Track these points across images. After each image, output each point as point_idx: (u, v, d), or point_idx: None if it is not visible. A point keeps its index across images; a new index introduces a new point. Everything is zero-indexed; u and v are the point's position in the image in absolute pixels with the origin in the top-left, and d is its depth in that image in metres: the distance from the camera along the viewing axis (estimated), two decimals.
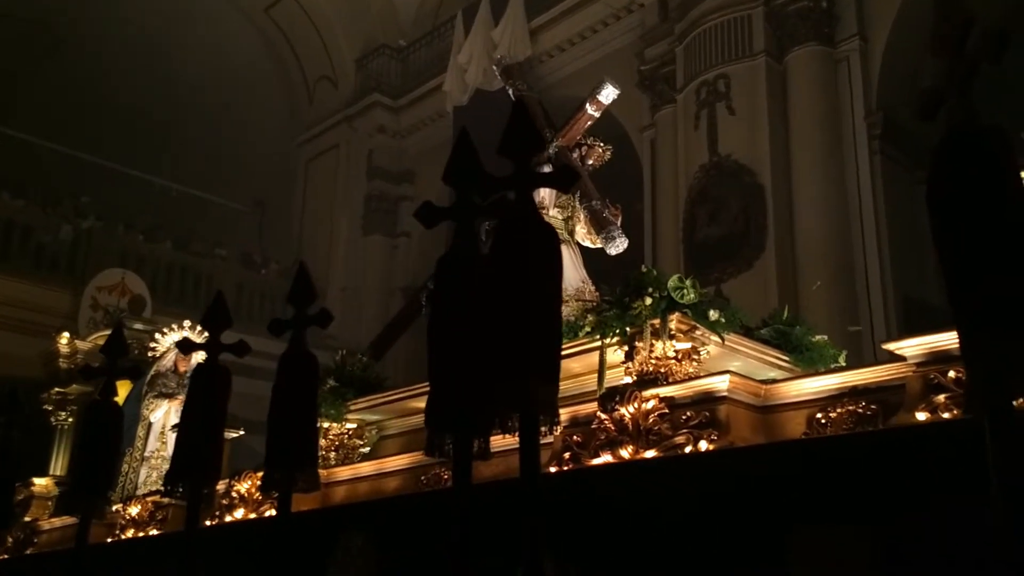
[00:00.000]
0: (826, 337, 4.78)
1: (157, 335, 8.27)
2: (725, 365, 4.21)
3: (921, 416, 2.96)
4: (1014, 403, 1.43)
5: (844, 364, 4.62)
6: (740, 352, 4.31)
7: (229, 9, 17.89)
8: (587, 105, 6.02)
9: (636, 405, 3.60)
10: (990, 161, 1.54)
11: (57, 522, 6.99)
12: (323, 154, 17.85)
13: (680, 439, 3.47)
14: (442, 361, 2.18)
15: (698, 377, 3.75)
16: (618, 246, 5.73)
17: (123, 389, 9.08)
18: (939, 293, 10.31)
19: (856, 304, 9.61)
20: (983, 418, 1.42)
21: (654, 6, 12.50)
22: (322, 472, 5.10)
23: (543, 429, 4.12)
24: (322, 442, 5.47)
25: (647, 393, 3.62)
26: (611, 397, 3.69)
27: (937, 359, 3.03)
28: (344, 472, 5.13)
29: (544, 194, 5.73)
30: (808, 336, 4.59)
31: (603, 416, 3.67)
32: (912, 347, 3.11)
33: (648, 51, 12.27)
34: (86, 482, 3.34)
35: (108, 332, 11.50)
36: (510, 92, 6.42)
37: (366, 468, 5.02)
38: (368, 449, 5.63)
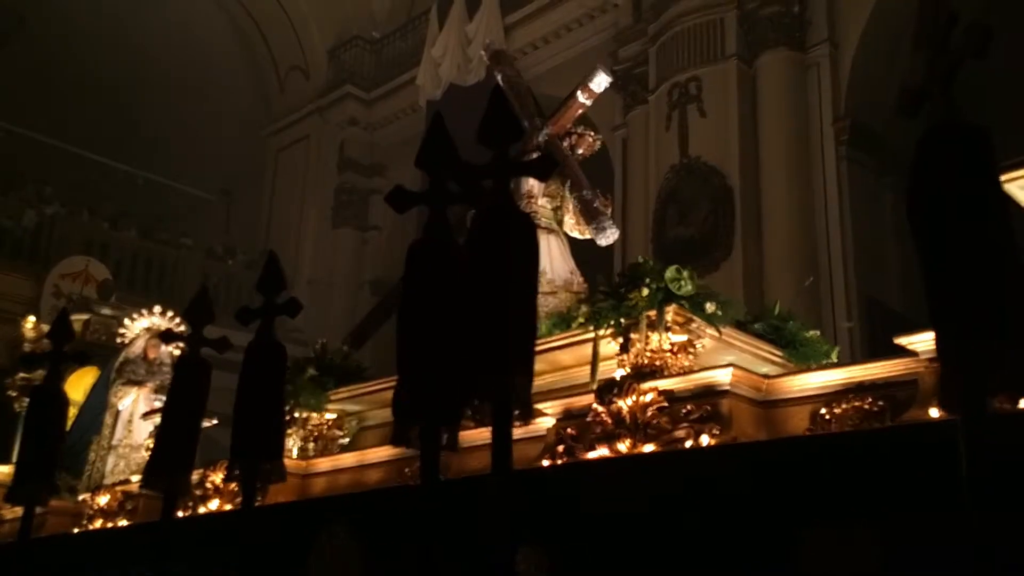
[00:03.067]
0: (819, 332, 4.70)
1: (127, 320, 8.11)
2: (719, 359, 4.08)
3: (935, 412, 2.86)
4: (988, 402, 1.45)
5: (836, 360, 4.52)
6: (735, 346, 4.20)
7: None
8: (578, 93, 5.86)
9: (634, 398, 3.49)
10: (971, 158, 1.55)
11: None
12: (293, 145, 17.69)
13: (680, 433, 3.36)
14: (411, 350, 2.15)
15: (699, 370, 3.64)
16: (608, 237, 5.57)
17: (90, 376, 8.94)
18: (901, 296, 10.45)
19: (820, 306, 9.71)
20: (957, 415, 1.44)
21: (628, 7, 12.53)
22: (301, 463, 5.03)
23: (536, 422, 4.01)
24: (301, 432, 5.35)
25: (645, 386, 3.51)
26: (608, 389, 3.59)
27: None
28: (324, 463, 4.98)
29: (532, 183, 5.62)
30: (802, 331, 4.50)
31: (600, 408, 3.57)
32: (925, 342, 2.98)
33: (621, 51, 12.31)
34: (29, 471, 3.28)
35: (77, 317, 11.17)
36: (499, 78, 6.18)
37: (347, 459, 4.88)
38: (348, 440, 5.50)
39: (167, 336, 3.48)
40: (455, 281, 2.01)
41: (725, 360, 4.07)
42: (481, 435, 4.12)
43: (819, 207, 10.26)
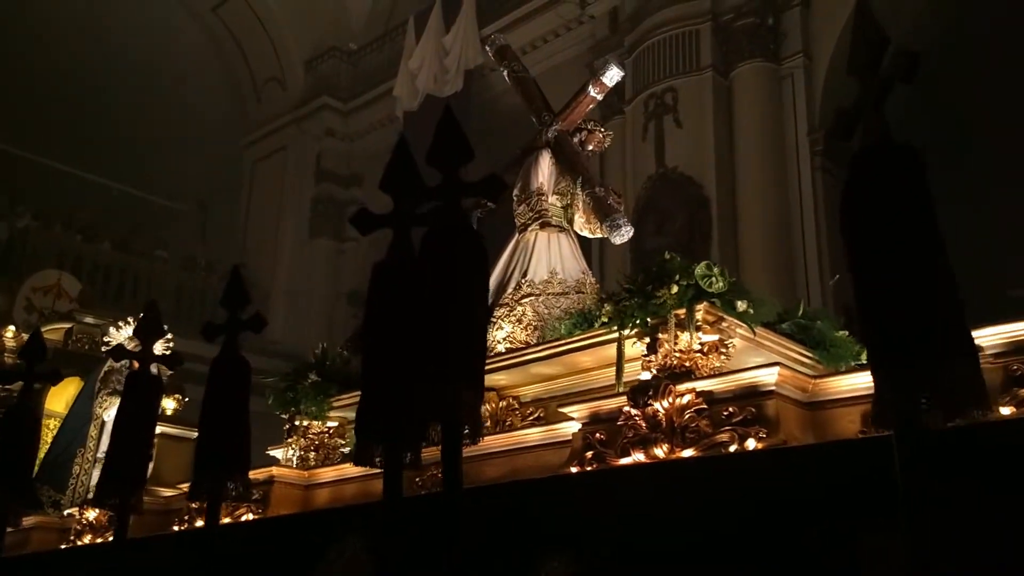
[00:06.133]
0: (847, 332, 4.42)
1: (112, 329, 7.97)
2: (747, 359, 3.88)
3: (1005, 411, 2.70)
4: (919, 419, 1.47)
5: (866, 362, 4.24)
6: (765, 347, 3.95)
7: (175, 7, 17.61)
8: (590, 87, 5.67)
9: (670, 400, 3.30)
10: (902, 179, 1.58)
11: None
12: (270, 156, 17.64)
13: (723, 437, 3.15)
14: (373, 369, 2.17)
15: (740, 370, 3.42)
16: (623, 235, 5.32)
17: (72, 387, 8.80)
18: None
19: None
20: (890, 431, 1.46)
21: (604, 18, 12.62)
22: (303, 473, 4.82)
23: (557, 427, 3.72)
24: (301, 442, 5.16)
25: (682, 387, 3.32)
26: (643, 391, 3.37)
27: (1020, 349, 2.80)
28: (328, 473, 4.75)
29: (543, 180, 5.47)
30: (831, 331, 4.24)
31: (634, 412, 3.36)
32: (989, 337, 2.80)
33: (598, 63, 12.35)
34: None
35: (60, 326, 10.92)
36: (505, 74, 6.06)
37: (353, 469, 4.57)
38: (349, 449, 5.20)
39: (117, 352, 3.46)
40: (416, 302, 2.02)
41: (753, 361, 3.87)
42: (497, 442, 4.02)
43: (795, 217, 10.34)
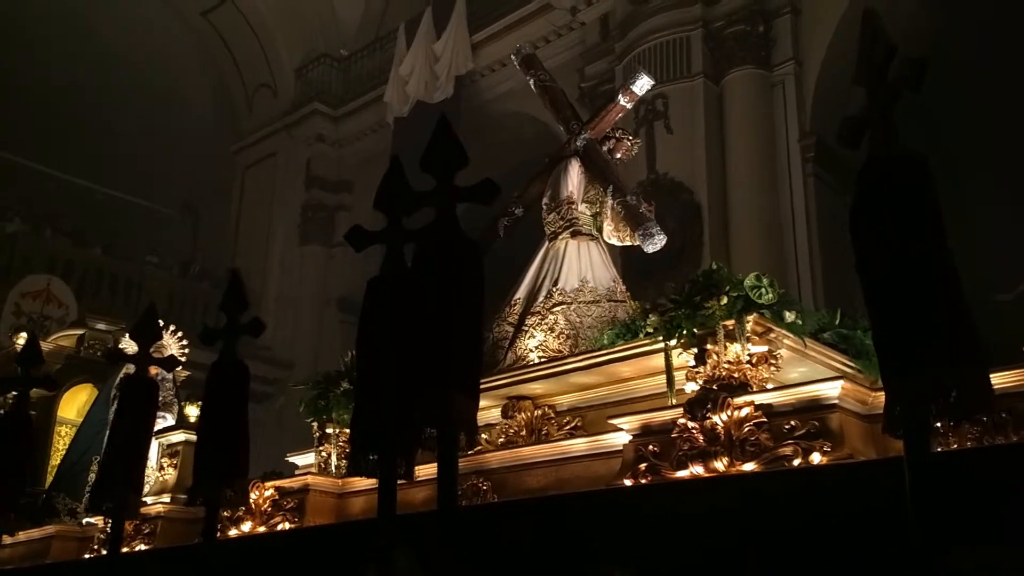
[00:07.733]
0: None
1: (126, 336, 7.87)
2: (790, 370, 3.89)
3: None
4: (929, 425, 1.46)
5: None
6: (811, 357, 3.93)
7: (165, 10, 17.56)
8: (620, 96, 5.70)
9: (728, 413, 3.25)
10: (908, 188, 1.58)
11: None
12: (261, 162, 17.58)
13: (786, 451, 3.10)
14: (367, 380, 2.17)
15: (801, 383, 3.38)
16: (656, 243, 5.27)
17: (84, 394, 8.67)
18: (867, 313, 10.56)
19: None
20: (900, 438, 1.46)
21: (595, 25, 12.62)
22: (336, 482, 4.74)
23: (603, 438, 3.68)
24: (333, 450, 5.07)
25: (739, 400, 3.27)
26: (701, 403, 3.32)
27: None
28: (362, 482, 4.60)
29: (572, 188, 5.44)
30: (870, 339, 4.13)
31: (691, 424, 3.30)
32: None
33: (588, 68, 12.38)
34: None
35: (72, 332, 10.75)
36: (531, 83, 6.05)
37: None
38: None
39: (114, 355, 3.44)
40: (411, 316, 2.03)
41: (797, 371, 3.88)
42: (539, 452, 4.01)
43: (787, 223, 10.36)
